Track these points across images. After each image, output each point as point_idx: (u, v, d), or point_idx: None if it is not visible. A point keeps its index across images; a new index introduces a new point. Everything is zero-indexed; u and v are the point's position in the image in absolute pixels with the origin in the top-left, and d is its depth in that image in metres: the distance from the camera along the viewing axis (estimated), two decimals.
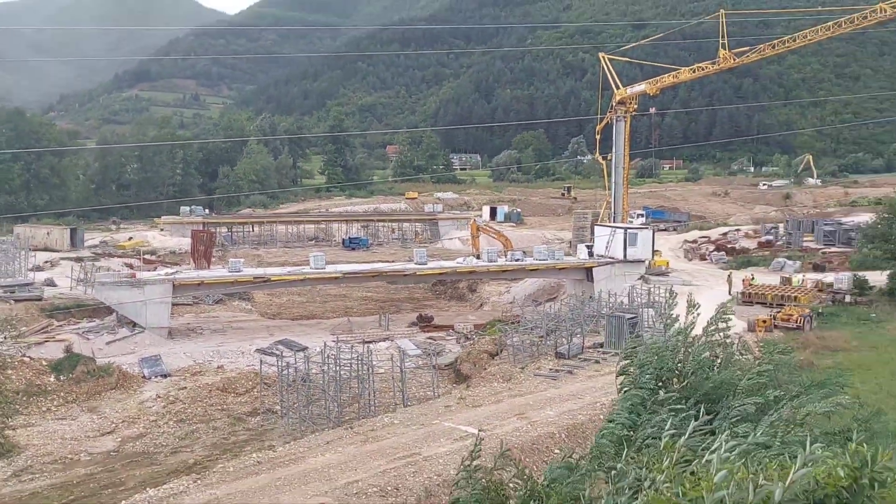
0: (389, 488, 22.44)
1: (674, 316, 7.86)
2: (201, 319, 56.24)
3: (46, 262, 66.02)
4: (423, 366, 43.24)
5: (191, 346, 48.23)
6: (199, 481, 24.85)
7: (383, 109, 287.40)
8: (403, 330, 55.64)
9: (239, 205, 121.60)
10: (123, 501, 23.95)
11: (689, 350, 6.65)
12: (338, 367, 37.21)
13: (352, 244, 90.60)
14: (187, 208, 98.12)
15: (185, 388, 39.49)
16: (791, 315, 46.76)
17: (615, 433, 5.75)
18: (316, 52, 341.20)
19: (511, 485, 5.71)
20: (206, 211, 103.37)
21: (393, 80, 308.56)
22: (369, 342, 47.69)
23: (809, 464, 3.20)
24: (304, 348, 45.70)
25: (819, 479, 3.07)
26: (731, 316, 7.72)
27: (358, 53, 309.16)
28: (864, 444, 3.32)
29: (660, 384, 6.41)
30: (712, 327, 7.24)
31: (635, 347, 7.19)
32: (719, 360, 7.05)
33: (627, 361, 6.60)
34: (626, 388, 6.31)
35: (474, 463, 5.66)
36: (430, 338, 52.60)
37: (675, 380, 6.39)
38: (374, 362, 38.93)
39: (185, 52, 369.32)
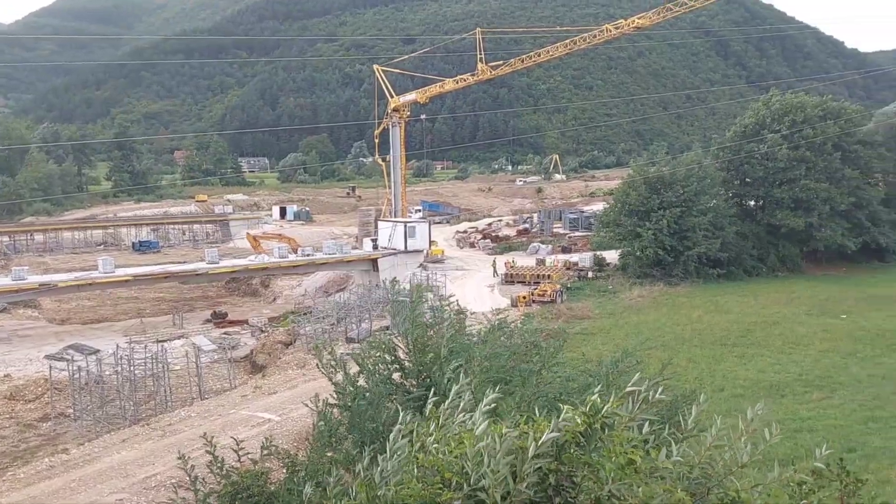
0: (188, 479, 21.26)
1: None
2: None
3: None
4: (218, 360, 41.47)
5: None
6: None
7: (169, 116, 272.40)
8: (198, 327, 52.88)
9: (21, 213, 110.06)
10: None
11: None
12: (131, 367, 34.72)
13: (142, 247, 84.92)
14: None
15: None
16: (546, 291, 49.91)
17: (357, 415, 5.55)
18: (97, 61, 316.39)
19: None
20: None
21: (178, 89, 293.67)
22: (163, 341, 44.90)
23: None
24: (96, 351, 42.13)
25: (560, 428, 3.22)
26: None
27: (142, 62, 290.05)
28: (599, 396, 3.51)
29: (396, 367, 6.24)
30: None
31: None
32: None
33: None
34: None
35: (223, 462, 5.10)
36: (225, 333, 50.50)
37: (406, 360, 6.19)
38: (169, 360, 36.84)
39: None
